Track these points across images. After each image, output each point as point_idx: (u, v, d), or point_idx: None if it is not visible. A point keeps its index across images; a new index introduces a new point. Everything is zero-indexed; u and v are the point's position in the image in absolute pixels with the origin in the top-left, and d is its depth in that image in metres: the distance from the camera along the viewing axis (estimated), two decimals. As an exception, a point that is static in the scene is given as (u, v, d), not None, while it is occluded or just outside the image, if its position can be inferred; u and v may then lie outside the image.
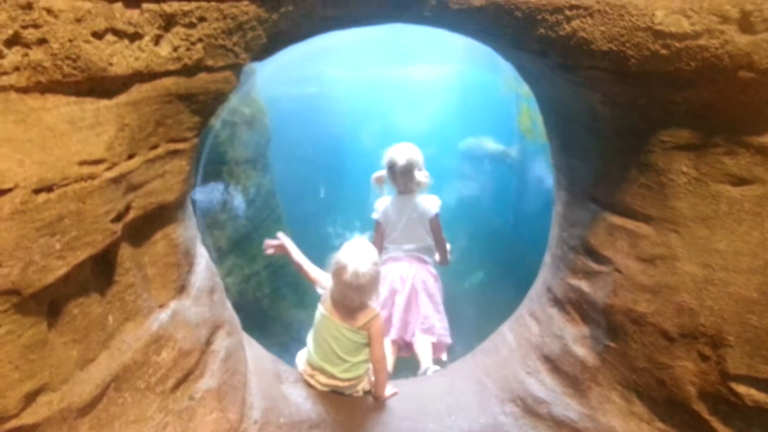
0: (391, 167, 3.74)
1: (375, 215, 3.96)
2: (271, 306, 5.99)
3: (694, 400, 2.19)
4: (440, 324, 3.83)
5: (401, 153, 3.73)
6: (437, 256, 3.98)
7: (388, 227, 3.91)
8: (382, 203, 3.93)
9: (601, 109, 2.25)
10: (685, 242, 2.15)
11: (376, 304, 3.07)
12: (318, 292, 3.16)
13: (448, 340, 3.84)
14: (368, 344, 3.01)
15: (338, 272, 2.86)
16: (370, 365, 3.12)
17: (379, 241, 3.93)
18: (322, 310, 3.00)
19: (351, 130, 10.96)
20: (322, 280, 3.10)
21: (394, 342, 3.76)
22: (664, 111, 2.06)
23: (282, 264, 6.46)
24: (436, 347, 3.79)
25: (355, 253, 2.88)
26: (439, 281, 3.93)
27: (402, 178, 3.74)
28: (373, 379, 3.13)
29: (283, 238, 3.33)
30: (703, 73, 1.87)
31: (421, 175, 3.76)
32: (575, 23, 1.91)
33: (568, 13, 1.90)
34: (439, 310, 3.86)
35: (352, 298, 2.89)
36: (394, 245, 3.91)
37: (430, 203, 3.83)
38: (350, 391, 3.07)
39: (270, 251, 3.37)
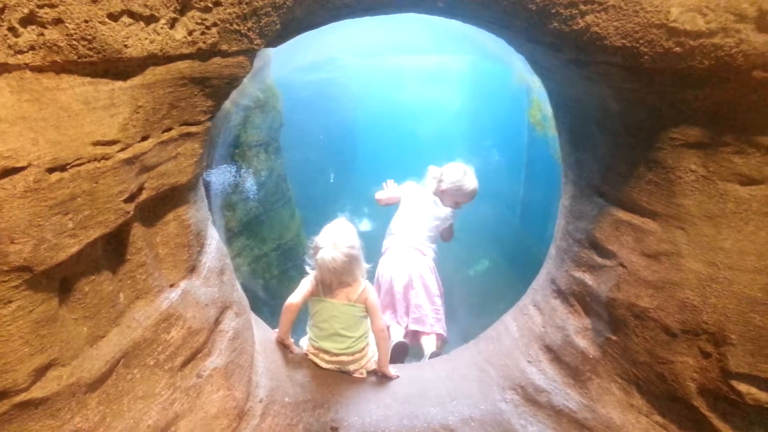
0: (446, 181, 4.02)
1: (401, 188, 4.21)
2: (279, 287, 6.03)
3: (693, 395, 2.20)
4: (433, 315, 3.85)
5: (465, 176, 4.02)
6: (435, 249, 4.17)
7: (403, 209, 4.10)
8: (413, 186, 4.17)
9: (611, 104, 2.24)
10: (691, 239, 2.15)
11: (363, 277, 3.16)
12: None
13: (442, 332, 3.85)
14: (366, 316, 3.13)
15: (315, 253, 3.03)
16: (371, 339, 3.22)
17: (390, 199, 4.18)
18: (315, 298, 3.11)
19: (362, 116, 10.93)
20: (304, 288, 3.13)
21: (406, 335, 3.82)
22: (675, 108, 2.05)
23: (291, 246, 6.50)
24: (429, 338, 3.82)
25: (331, 237, 3.01)
26: (435, 273, 4.01)
27: (450, 196, 4.02)
28: (376, 358, 3.19)
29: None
30: (716, 71, 1.85)
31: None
32: (589, 18, 1.90)
33: (582, 7, 1.89)
34: (433, 302, 3.89)
35: (329, 280, 3.02)
36: (399, 235, 4.05)
37: (450, 214, 4.09)
38: (354, 367, 3.14)
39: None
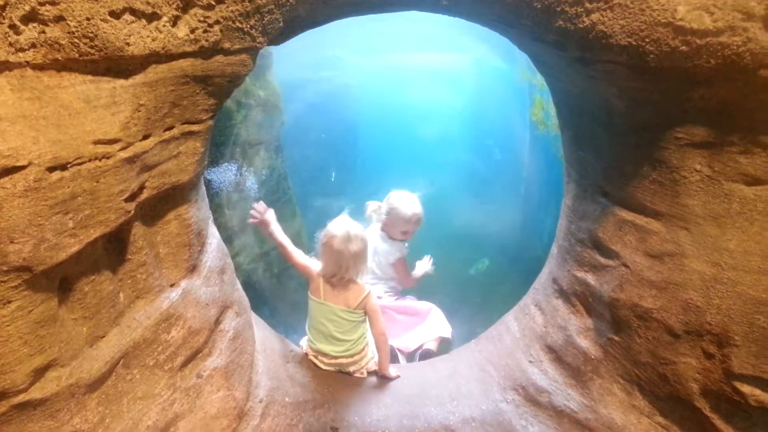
0: (397, 213, 3.79)
1: None
2: (279, 286, 6.04)
3: (696, 397, 2.19)
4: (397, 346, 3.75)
5: (400, 202, 3.79)
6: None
7: None
8: (372, 227, 4.01)
9: (616, 103, 2.23)
10: (695, 240, 2.14)
11: (365, 281, 3.14)
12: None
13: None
14: (365, 320, 3.12)
15: (328, 242, 2.97)
16: (370, 341, 3.21)
17: None
18: (314, 298, 3.09)
19: (364, 114, 10.93)
20: (308, 264, 3.15)
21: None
22: (680, 108, 2.03)
23: (292, 245, 6.51)
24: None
25: (343, 223, 3.02)
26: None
27: (392, 226, 3.82)
28: (376, 359, 3.19)
29: (269, 215, 3.20)
30: (722, 70, 1.83)
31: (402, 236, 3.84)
32: (595, 16, 1.88)
33: (588, 5, 1.87)
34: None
35: (346, 266, 2.98)
36: None
37: (397, 248, 3.90)
38: (354, 368, 3.14)
39: (252, 221, 3.19)
